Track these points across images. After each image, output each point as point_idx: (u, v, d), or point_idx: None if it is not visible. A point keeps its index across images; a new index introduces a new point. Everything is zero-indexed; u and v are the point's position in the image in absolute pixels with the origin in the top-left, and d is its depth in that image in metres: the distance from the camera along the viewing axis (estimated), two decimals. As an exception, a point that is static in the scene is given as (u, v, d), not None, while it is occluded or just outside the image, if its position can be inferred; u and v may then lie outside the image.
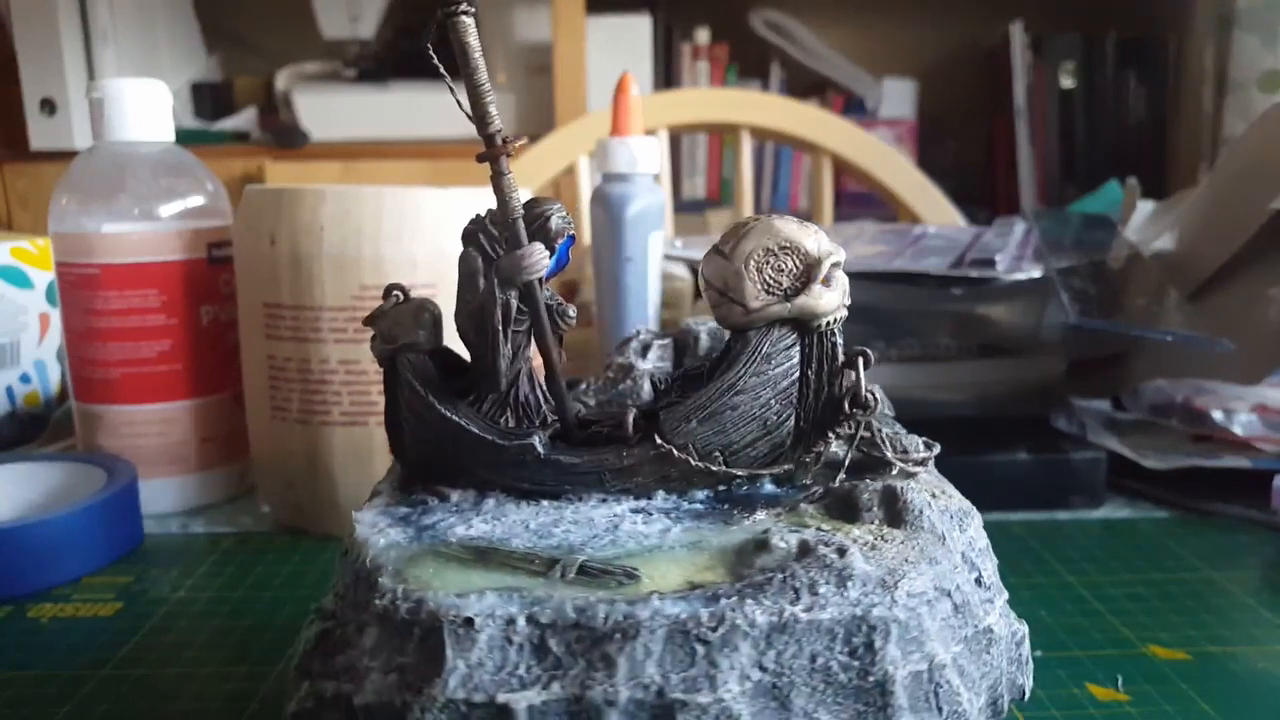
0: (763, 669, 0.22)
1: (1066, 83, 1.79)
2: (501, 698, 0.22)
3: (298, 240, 0.43)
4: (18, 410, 0.60)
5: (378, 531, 0.26)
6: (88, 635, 0.36)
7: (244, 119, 1.65)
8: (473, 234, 0.29)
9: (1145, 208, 0.67)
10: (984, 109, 1.91)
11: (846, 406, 0.28)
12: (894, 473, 0.29)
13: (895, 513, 0.27)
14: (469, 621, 0.22)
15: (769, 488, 0.29)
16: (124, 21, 1.50)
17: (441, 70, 0.27)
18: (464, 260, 0.28)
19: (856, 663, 0.23)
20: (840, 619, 0.23)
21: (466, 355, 0.30)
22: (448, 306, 0.43)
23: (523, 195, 0.29)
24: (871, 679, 0.23)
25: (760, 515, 0.27)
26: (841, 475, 0.28)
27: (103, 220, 0.46)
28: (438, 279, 0.43)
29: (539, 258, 0.28)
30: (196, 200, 0.48)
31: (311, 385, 0.43)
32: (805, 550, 0.24)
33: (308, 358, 0.43)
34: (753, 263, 0.27)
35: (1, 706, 0.31)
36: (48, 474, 0.45)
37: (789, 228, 0.27)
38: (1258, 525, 0.46)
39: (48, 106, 1.43)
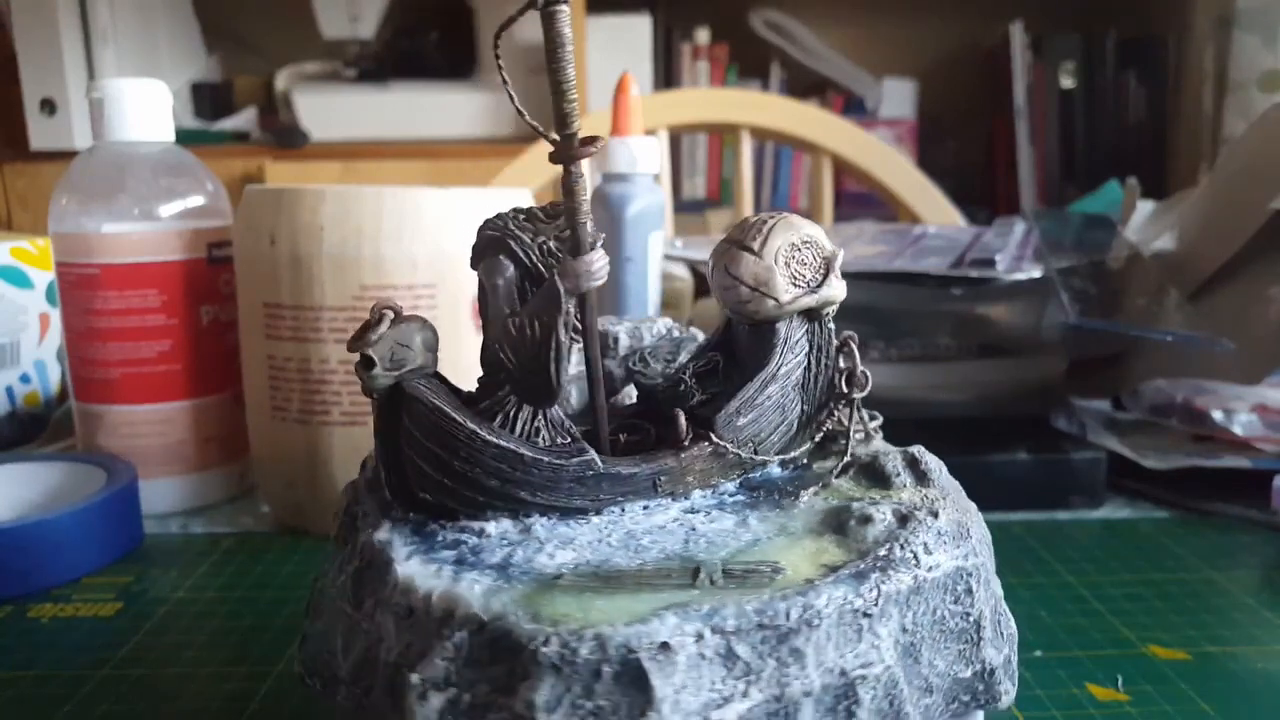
0: (904, 630, 0.24)
1: (1066, 83, 1.79)
2: (714, 716, 0.21)
3: (298, 240, 0.43)
4: (18, 410, 0.60)
5: (452, 580, 0.23)
6: (88, 635, 0.36)
7: (244, 119, 1.65)
8: (500, 241, 0.27)
9: (1145, 208, 0.67)
10: (984, 109, 1.91)
11: (844, 387, 0.29)
12: (857, 440, 0.31)
13: (920, 474, 0.29)
14: (665, 646, 0.21)
15: (776, 470, 0.30)
16: (124, 21, 1.50)
17: (500, 68, 0.26)
18: (497, 269, 0.26)
19: (960, 608, 0.25)
20: (949, 572, 0.25)
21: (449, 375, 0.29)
22: (447, 308, 0.43)
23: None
24: (970, 619, 0.26)
25: (805, 496, 0.28)
26: (852, 451, 0.30)
27: (103, 220, 0.46)
28: (438, 279, 0.43)
29: (603, 264, 0.27)
30: (196, 200, 0.48)
31: (311, 385, 0.43)
32: (903, 519, 0.26)
33: (308, 358, 0.43)
34: (782, 258, 0.28)
35: (1, 706, 0.31)
36: (48, 474, 0.45)
37: (806, 223, 0.29)
38: (1258, 525, 0.46)
39: (48, 106, 1.43)
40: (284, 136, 1.57)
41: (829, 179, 1.10)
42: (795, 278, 0.28)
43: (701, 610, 0.22)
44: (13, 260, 0.60)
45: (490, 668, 0.22)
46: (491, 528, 0.26)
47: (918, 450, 0.30)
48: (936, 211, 1.06)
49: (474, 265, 0.27)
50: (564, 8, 0.24)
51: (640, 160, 0.53)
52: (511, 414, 0.27)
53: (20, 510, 0.44)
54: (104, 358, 0.47)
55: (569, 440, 0.27)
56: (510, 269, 0.27)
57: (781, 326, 0.28)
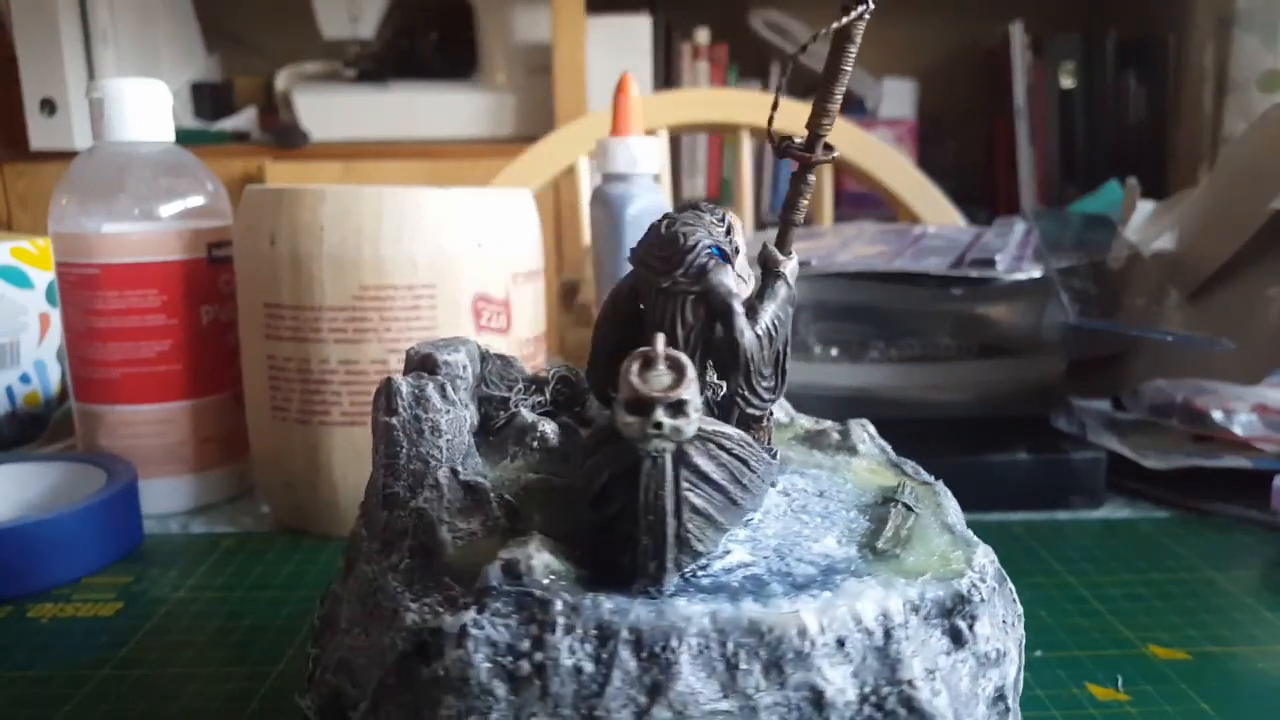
0: None
1: (1066, 83, 1.79)
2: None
3: (298, 240, 0.43)
4: (18, 410, 0.60)
5: (853, 599, 0.22)
6: (88, 635, 0.36)
7: (244, 119, 1.65)
8: (723, 252, 0.25)
9: (1145, 208, 0.67)
10: (984, 109, 1.91)
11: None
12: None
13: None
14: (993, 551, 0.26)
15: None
16: (124, 21, 1.50)
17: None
18: (732, 278, 0.24)
19: None
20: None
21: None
22: (446, 308, 0.43)
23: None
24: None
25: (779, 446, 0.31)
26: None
27: (103, 220, 0.46)
28: (438, 279, 0.43)
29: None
30: (196, 200, 0.48)
31: (311, 385, 0.43)
32: (860, 428, 0.31)
33: (308, 358, 0.43)
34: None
35: (1, 706, 0.31)
36: (48, 474, 0.45)
37: None
38: (1258, 525, 0.46)
39: (48, 106, 1.43)
40: (284, 136, 1.57)
41: (829, 179, 1.10)
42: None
43: (956, 524, 0.26)
44: (13, 260, 0.60)
45: (941, 634, 0.23)
46: (738, 554, 0.24)
47: None
48: (936, 211, 1.06)
49: (694, 283, 0.24)
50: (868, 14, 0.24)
51: (640, 160, 0.53)
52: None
53: (20, 510, 0.44)
54: (104, 358, 0.47)
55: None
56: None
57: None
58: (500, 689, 0.21)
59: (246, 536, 0.45)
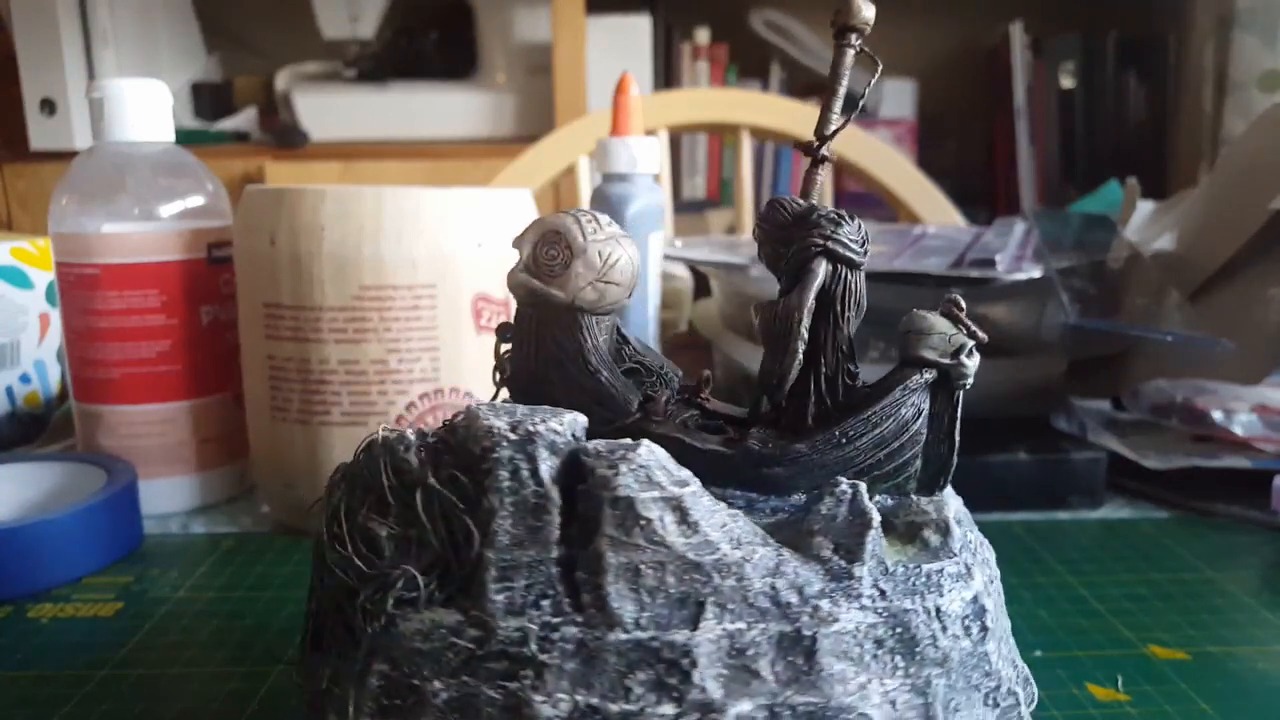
0: None
1: (1066, 83, 1.79)
2: None
3: (298, 240, 0.43)
4: (18, 410, 0.60)
5: None
6: (88, 635, 0.36)
7: (244, 119, 1.65)
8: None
9: (1145, 208, 0.67)
10: (984, 109, 1.91)
11: None
12: None
13: None
14: None
15: None
16: (124, 21, 1.50)
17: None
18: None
19: None
20: None
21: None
22: (446, 308, 0.43)
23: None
24: None
25: None
26: None
27: (103, 220, 0.46)
28: (438, 279, 0.43)
29: None
30: (196, 200, 0.48)
31: (311, 385, 0.43)
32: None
33: (308, 358, 0.43)
34: None
35: (1, 706, 0.31)
36: (48, 474, 0.45)
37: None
38: (1258, 525, 0.46)
39: (48, 106, 1.43)
40: (284, 136, 1.57)
41: (829, 179, 1.10)
42: None
43: None
44: (13, 260, 0.60)
45: None
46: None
47: None
48: (936, 211, 1.06)
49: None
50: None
51: (640, 160, 0.53)
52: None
53: (20, 510, 0.44)
54: (104, 358, 0.47)
55: None
56: None
57: None
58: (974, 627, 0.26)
59: (246, 536, 0.45)
